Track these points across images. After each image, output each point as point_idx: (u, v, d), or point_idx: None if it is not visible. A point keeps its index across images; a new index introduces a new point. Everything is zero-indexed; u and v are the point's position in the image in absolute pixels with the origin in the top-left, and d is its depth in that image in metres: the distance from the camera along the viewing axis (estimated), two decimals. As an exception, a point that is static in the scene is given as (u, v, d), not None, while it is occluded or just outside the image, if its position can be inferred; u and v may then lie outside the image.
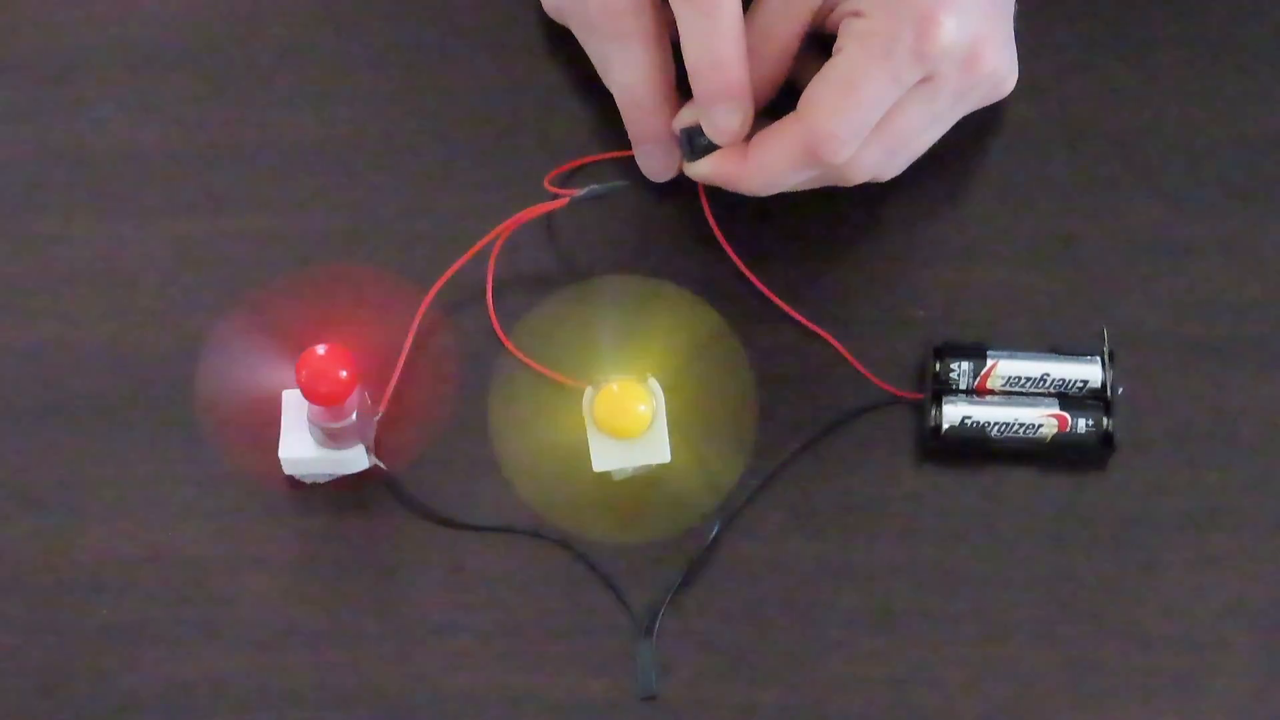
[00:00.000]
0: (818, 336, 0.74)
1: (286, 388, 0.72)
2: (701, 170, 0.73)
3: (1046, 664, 0.70)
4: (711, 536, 0.72)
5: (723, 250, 0.74)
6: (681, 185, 0.74)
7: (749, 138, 0.72)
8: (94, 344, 0.74)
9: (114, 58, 0.77)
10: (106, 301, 0.74)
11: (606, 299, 0.74)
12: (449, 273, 0.73)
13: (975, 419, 0.72)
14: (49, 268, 0.75)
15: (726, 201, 0.74)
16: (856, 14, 0.70)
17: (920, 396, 0.73)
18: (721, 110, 0.71)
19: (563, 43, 0.76)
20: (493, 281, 0.74)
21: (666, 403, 0.71)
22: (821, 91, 0.69)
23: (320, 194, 0.76)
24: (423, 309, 0.73)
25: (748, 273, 0.74)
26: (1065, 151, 0.76)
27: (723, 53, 0.69)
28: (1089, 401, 0.72)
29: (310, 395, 0.68)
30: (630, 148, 0.74)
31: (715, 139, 0.71)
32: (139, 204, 0.76)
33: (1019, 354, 0.72)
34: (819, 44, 0.72)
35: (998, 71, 0.72)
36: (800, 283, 0.74)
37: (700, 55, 0.70)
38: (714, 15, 0.69)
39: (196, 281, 0.75)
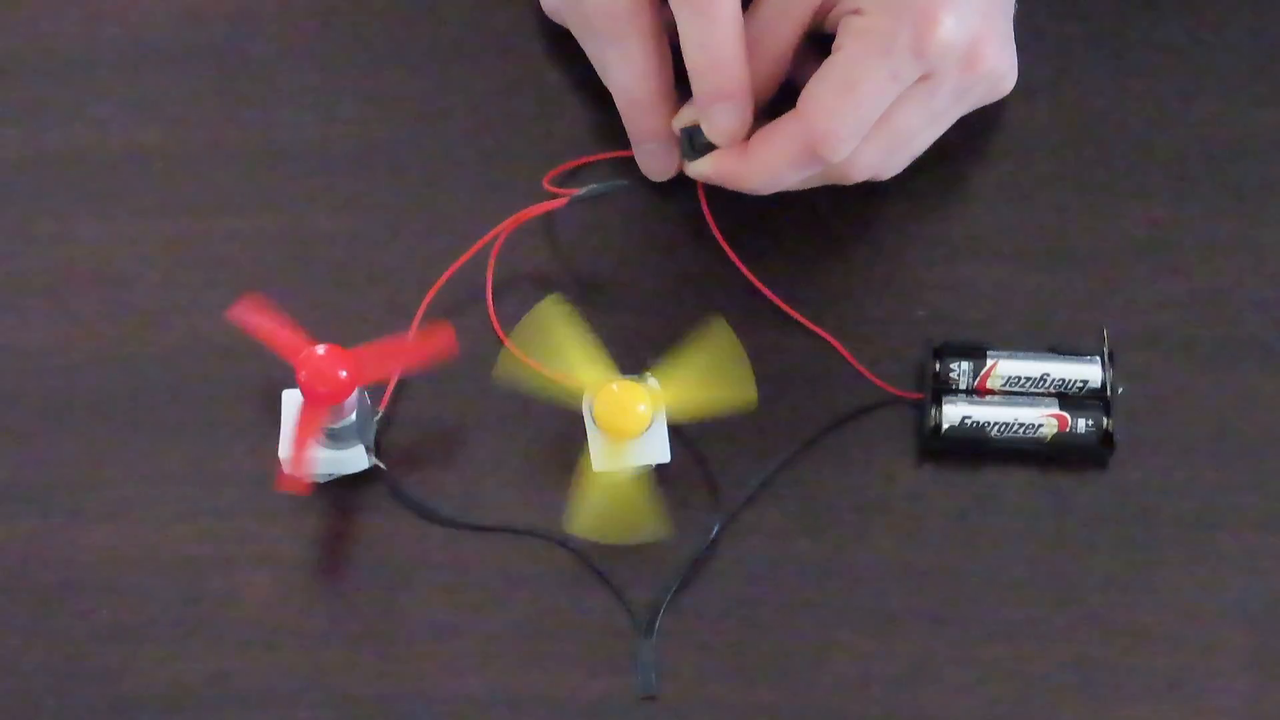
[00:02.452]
0: (818, 336, 0.73)
1: (286, 388, 0.71)
2: (701, 169, 0.73)
3: (1046, 664, 0.70)
4: (711, 536, 0.71)
5: (723, 250, 0.74)
6: (681, 185, 0.74)
7: (749, 136, 0.72)
8: (94, 344, 0.74)
9: (114, 58, 0.77)
10: (106, 301, 0.74)
11: (606, 299, 0.74)
12: (449, 272, 0.73)
13: (975, 419, 0.72)
14: (49, 268, 0.75)
15: (726, 201, 0.74)
16: (856, 12, 0.70)
17: (920, 396, 0.72)
18: (720, 110, 0.70)
19: (563, 43, 0.76)
20: (493, 281, 0.73)
21: (666, 403, 0.70)
22: (821, 90, 0.69)
23: (320, 194, 0.76)
24: (422, 309, 0.73)
25: (748, 274, 0.74)
26: (1065, 151, 0.76)
27: (721, 53, 0.69)
28: (1089, 401, 0.72)
29: (310, 395, 0.68)
30: (630, 147, 0.74)
31: (714, 139, 0.71)
32: (139, 204, 0.75)
33: (1019, 354, 0.72)
34: (818, 43, 0.72)
35: (996, 70, 0.72)
36: (800, 283, 0.74)
37: (699, 55, 0.70)
38: (712, 15, 0.69)
39: (196, 281, 0.75)
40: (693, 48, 0.70)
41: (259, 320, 0.69)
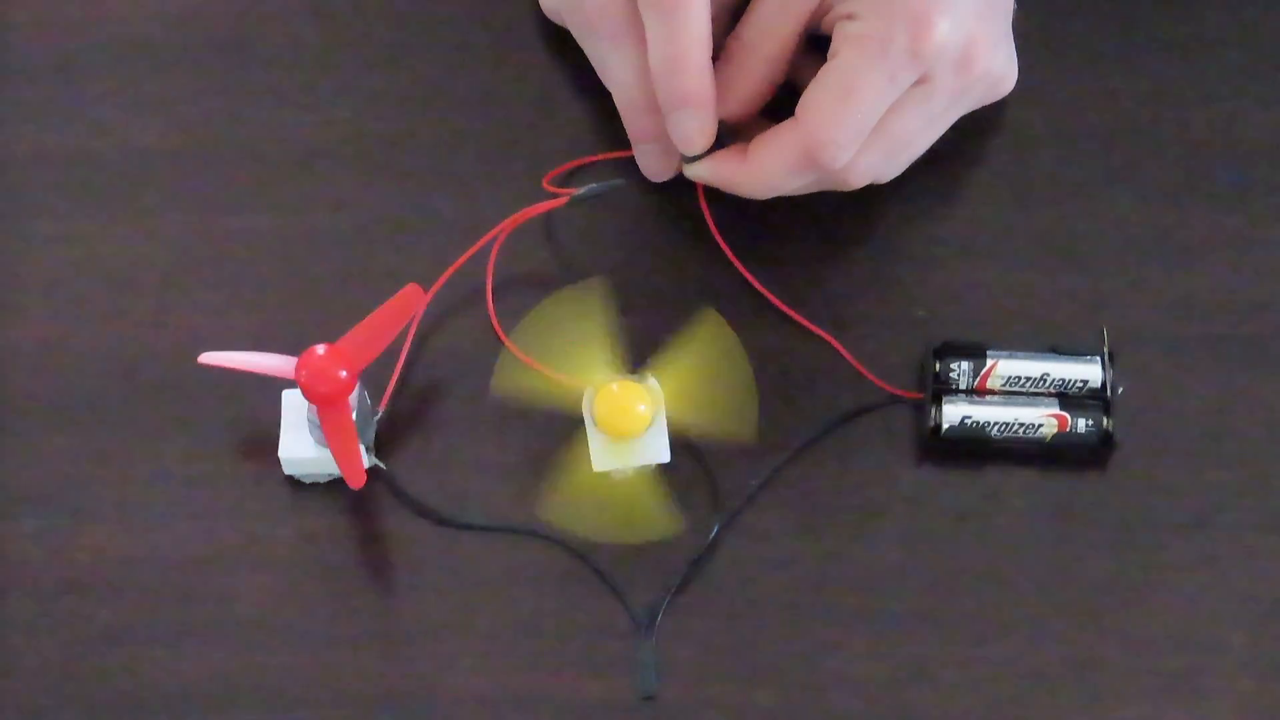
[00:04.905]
0: (817, 336, 0.73)
1: (286, 388, 0.71)
2: (699, 172, 0.72)
3: (1046, 664, 0.70)
4: (711, 536, 0.71)
5: (722, 250, 0.74)
6: (681, 185, 0.74)
7: (749, 139, 0.71)
8: (94, 344, 0.74)
9: (113, 56, 0.77)
10: (106, 302, 0.74)
11: (607, 299, 0.73)
12: (449, 272, 0.73)
13: (975, 419, 0.71)
14: (48, 268, 0.75)
15: (727, 202, 0.74)
16: (850, 16, 0.69)
17: (920, 396, 0.72)
18: (680, 116, 0.70)
19: (562, 43, 0.76)
20: (492, 281, 0.73)
21: (666, 403, 0.70)
22: (818, 97, 0.69)
23: (320, 194, 0.75)
24: (422, 309, 0.73)
25: (747, 274, 0.74)
26: (1065, 151, 0.75)
27: (684, 59, 0.68)
28: (1089, 401, 0.72)
29: (310, 395, 0.68)
30: (630, 147, 0.74)
31: (678, 145, 0.71)
32: (138, 204, 0.75)
33: (1019, 354, 0.72)
34: (817, 46, 0.72)
35: (993, 71, 0.72)
36: (800, 283, 0.74)
37: (659, 59, 0.69)
38: (675, 21, 0.68)
39: (196, 281, 0.74)
40: (656, 52, 0.69)
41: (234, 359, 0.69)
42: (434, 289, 0.73)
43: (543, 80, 0.76)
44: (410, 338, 0.73)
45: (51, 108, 0.76)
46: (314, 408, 0.69)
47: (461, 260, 0.73)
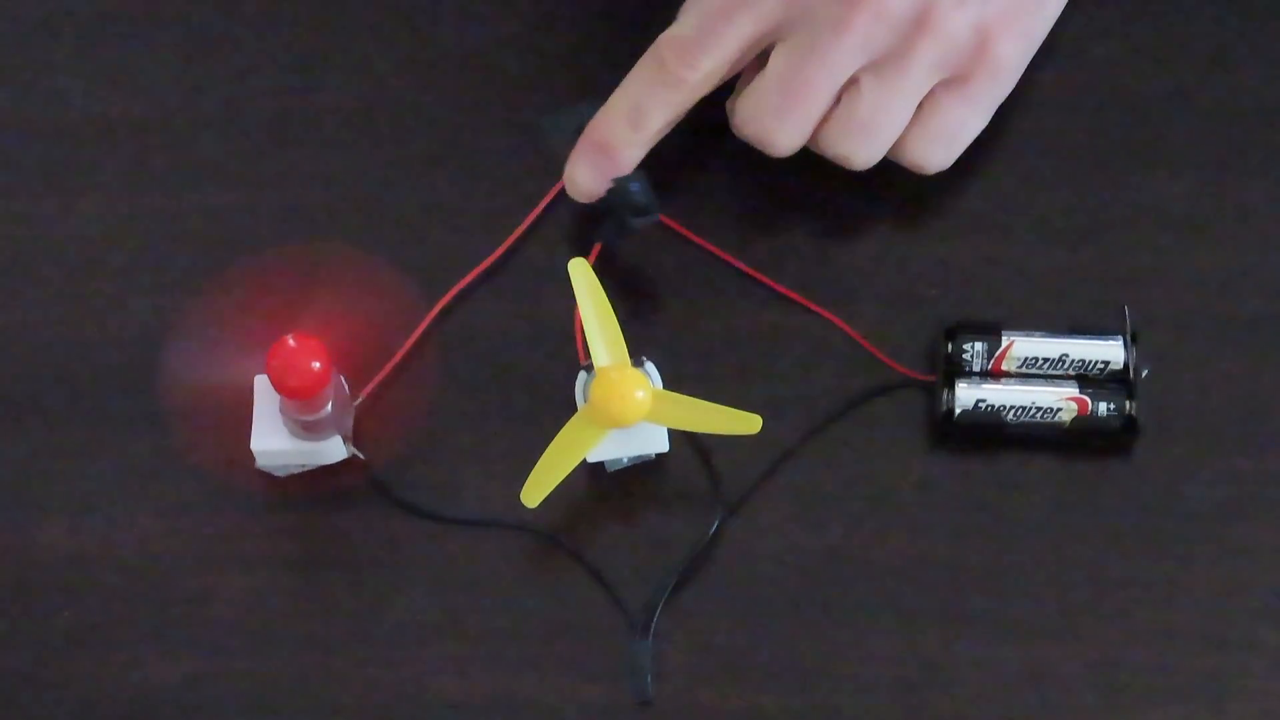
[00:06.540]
0: (823, 318, 0.72)
1: (259, 373, 0.70)
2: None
3: (1068, 665, 0.69)
4: (711, 531, 0.70)
5: (719, 235, 0.73)
6: (678, 172, 0.73)
7: None
8: (54, 328, 0.73)
9: (76, 22, 0.76)
10: (66, 282, 0.73)
11: (605, 286, 0.71)
12: (451, 293, 0.72)
13: (990, 402, 0.70)
14: (5, 247, 0.74)
15: (728, 194, 0.73)
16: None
17: (933, 378, 0.71)
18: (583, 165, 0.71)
19: (559, 10, 0.76)
20: (486, 270, 0.73)
21: (665, 389, 0.69)
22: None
23: (295, 168, 0.75)
24: (425, 324, 0.72)
25: (749, 270, 0.73)
26: (1087, 120, 0.75)
27: (623, 124, 0.70)
28: (1111, 384, 0.71)
29: (281, 388, 0.67)
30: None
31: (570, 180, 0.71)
32: (102, 179, 0.75)
33: (1036, 333, 0.71)
34: None
35: (954, 30, 0.71)
36: (805, 264, 0.73)
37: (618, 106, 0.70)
38: (674, 87, 0.70)
39: (163, 261, 0.74)
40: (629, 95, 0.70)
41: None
42: (439, 305, 0.72)
43: (539, 46, 0.76)
44: (409, 345, 0.72)
45: (8, 77, 0.76)
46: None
47: (460, 285, 0.72)
